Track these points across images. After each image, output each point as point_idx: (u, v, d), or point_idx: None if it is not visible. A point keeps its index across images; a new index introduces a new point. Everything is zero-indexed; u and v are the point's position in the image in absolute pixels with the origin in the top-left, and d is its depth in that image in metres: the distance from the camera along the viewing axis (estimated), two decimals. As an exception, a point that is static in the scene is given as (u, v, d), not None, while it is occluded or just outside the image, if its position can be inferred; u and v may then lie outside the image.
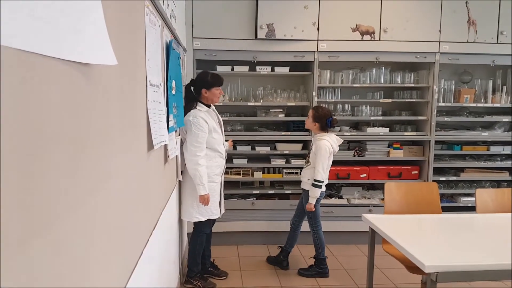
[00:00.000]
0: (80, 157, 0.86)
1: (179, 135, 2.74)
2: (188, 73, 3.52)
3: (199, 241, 2.97)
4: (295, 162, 3.79)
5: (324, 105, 3.87)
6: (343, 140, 3.21)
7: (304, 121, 3.75)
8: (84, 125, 0.88)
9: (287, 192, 3.85)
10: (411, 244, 1.96)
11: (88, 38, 0.81)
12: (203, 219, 2.88)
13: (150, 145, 1.61)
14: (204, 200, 2.76)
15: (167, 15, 2.18)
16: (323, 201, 3.80)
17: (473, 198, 3.77)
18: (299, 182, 3.90)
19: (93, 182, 0.94)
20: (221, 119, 3.01)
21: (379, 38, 3.65)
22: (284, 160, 3.82)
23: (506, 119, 3.90)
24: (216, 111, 2.99)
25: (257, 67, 3.70)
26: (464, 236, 2.18)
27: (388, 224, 2.32)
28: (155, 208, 1.86)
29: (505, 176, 3.94)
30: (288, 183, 3.90)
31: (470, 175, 3.95)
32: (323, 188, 3.13)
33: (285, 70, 3.73)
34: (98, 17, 0.87)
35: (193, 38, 3.55)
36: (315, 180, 3.06)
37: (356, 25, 3.62)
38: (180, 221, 3.04)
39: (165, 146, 2.04)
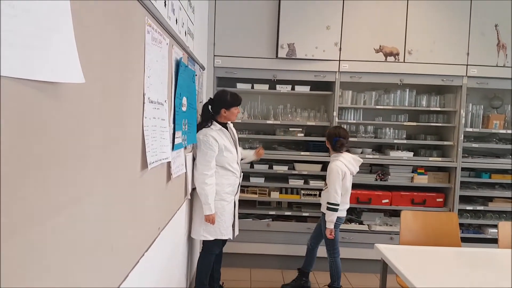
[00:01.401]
0: (47, 179, 0.83)
1: (191, 151, 2.71)
2: (208, 90, 3.52)
3: (207, 261, 2.88)
4: (313, 183, 3.68)
5: (344, 126, 3.80)
6: (362, 161, 3.10)
7: (324, 141, 3.68)
8: (51, 145, 0.85)
9: (304, 214, 3.72)
10: (422, 281, 1.82)
11: (53, 56, 0.79)
12: (211, 238, 2.81)
13: (145, 164, 1.55)
14: (210, 219, 2.71)
15: (181, 33, 2.18)
16: (342, 226, 3.67)
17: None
18: (318, 204, 3.78)
19: (62, 202, 0.90)
20: (236, 136, 2.96)
21: (404, 60, 3.57)
22: (303, 180, 3.72)
23: (539, 146, 3.69)
24: (234, 129, 2.95)
25: (277, 86, 3.67)
26: (481, 274, 2.02)
27: (401, 256, 2.18)
28: (151, 228, 1.79)
29: (538, 207, 3.70)
30: (306, 205, 3.79)
31: (499, 205, 3.73)
32: (343, 213, 3.01)
33: (305, 89, 3.68)
34: (67, 35, 0.85)
35: (214, 56, 3.57)
36: (328, 203, 2.97)
37: (380, 46, 3.55)
38: (190, 240, 2.96)
39: (168, 163, 1.99)
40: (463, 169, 3.70)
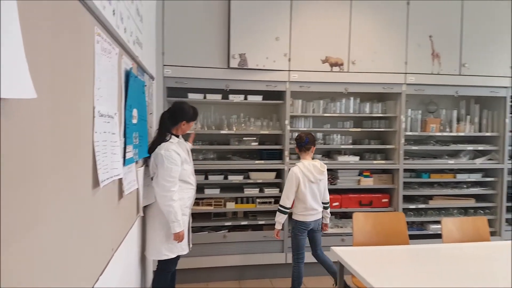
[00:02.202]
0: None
1: (142, 166, 2.60)
2: (158, 100, 3.44)
3: (163, 280, 2.78)
4: (268, 191, 3.73)
5: (296, 134, 3.89)
6: (323, 170, 3.13)
7: (277, 149, 3.75)
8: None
9: (260, 222, 3.75)
10: (380, 280, 1.92)
11: (1, 70, 0.74)
12: (173, 255, 2.71)
13: (96, 182, 1.48)
14: (179, 237, 2.61)
15: (129, 42, 2.12)
16: (296, 231, 3.76)
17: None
18: (273, 212, 3.84)
19: (9, 233, 0.84)
20: (189, 148, 2.92)
21: (348, 70, 3.74)
22: (258, 189, 3.76)
23: (470, 147, 4.07)
24: (183, 140, 2.90)
25: (230, 96, 3.68)
26: (431, 269, 2.16)
27: (356, 257, 2.28)
28: (105, 249, 1.70)
29: (471, 203, 4.06)
30: (262, 213, 3.82)
31: (438, 203, 4.03)
32: (306, 218, 3.07)
33: (258, 99, 3.73)
34: (16, 48, 0.80)
35: (163, 65, 3.50)
36: (279, 205, 3.10)
37: (326, 57, 3.71)
38: (143, 259, 2.83)
39: (120, 180, 1.90)
40: (405, 170, 3.95)
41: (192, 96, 3.64)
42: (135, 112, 2.18)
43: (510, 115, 4.00)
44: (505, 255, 2.37)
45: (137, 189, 2.40)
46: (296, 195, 3.06)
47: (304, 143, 3.10)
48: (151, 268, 3.24)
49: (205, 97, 3.67)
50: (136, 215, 2.48)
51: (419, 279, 1.98)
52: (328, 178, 3.87)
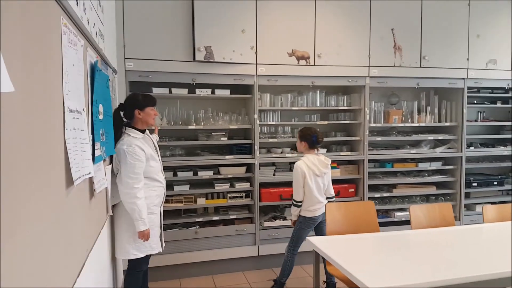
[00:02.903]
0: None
1: (110, 164, 2.50)
2: (120, 95, 3.30)
3: (135, 280, 2.69)
4: (239, 185, 3.71)
5: (265, 127, 3.90)
6: (328, 162, 3.14)
7: (247, 144, 3.73)
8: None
9: (232, 217, 3.72)
10: (354, 266, 1.96)
11: None
12: (142, 255, 2.62)
13: (70, 181, 1.41)
14: (144, 235, 2.52)
15: (92, 34, 2.03)
16: (267, 224, 3.77)
17: (406, 213, 4.01)
18: (245, 206, 3.84)
19: None
20: (157, 144, 2.82)
21: (314, 63, 3.78)
22: (228, 184, 3.72)
23: (431, 137, 4.25)
24: (151, 136, 2.79)
25: (197, 90, 3.60)
26: (402, 254, 2.24)
27: (331, 246, 2.32)
28: (80, 251, 1.64)
29: (432, 190, 4.26)
30: (233, 207, 3.79)
31: (402, 191, 4.20)
32: (314, 213, 3.06)
33: (225, 93, 3.68)
34: None
35: (125, 58, 3.35)
36: (293, 200, 3.12)
37: (292, 50, 3.72)
38: (114, 259, 2.75)
39: (91, 179, 1.83)
40: (369, 161, 4.07)
41: (156, 91, 3.52)
42: (101, 107, 2.08)
43: (468, 105, 4.23)
44: (470, 238, 2.50)
45: (106, 188, 2.31)
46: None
47: (319, 143, 3.12)
48: (121, 267, 3.15)
49: (170, 92, 3.57)
50: (106, 215, 2.40)
51: (393, 264, 2.04)
52: (297, 171, 3.95)
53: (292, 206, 3.13)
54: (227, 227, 3.69)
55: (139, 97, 2.63)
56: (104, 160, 2.20)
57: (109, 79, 2.51)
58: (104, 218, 2.36)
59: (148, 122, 2.66)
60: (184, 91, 3.59)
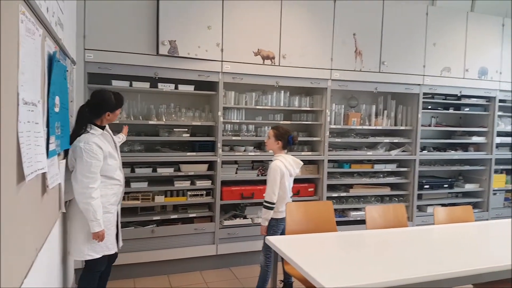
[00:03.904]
0: None
1: (63, 158, 2.39)
2: (78, 87, 3.16)
3: (91, 281, 2.59)
4: (200, 183, 3.66)
5: (229, 125, 3.88)
6: (302, 163, 3.15)
7: (210, 141, 3.69)
8: None
9: (191, 215, 3.68)
10: (311, 265, 1.99)
11: None
12: (98, 256, 2.53)
13: (21, 177, 1.35)
14: (99, 236, 2.43)
15: (51, 23, 1.94)
16: (226, 223, 3.76)
17: (362, 212, 4.15)
18: (205, 204, 3.80)
19: None
20: (117, 141, 2.72)
21: (279, 64, 3.81)
22: (189, 181, 3.66)
23: (386, 140, 4.42)
24: (111, 132, 2.69)
25: (159, 84, 3.51)
26: (358, 254, 2.30)
27: (289, 245, 2.34)
28: (29, 250, 1.56)
29: (387, 191, 4.43)
30: (193, 206, 3.74)
31: (358, 191, 4.33)
32: (285, 214, 2.95)
33: (189, 88, 3.61)
34: None
35: (84, 49, 3.21)
36: (264, 201, 2.99)
37: (258, 49, 3.72)
38: (65, 258, 2.65)
39: (44, 174, 1.75)
40: (329, 161, 4.16)
41: (116, 83, 3.41)
42: (57, 100, 2.00)
43: (422, 110, 4.43)
44: (422, 239, 2.63)
45: (60, 183, 2.22)
46: None
47: (292, 144, 3.08)
48: (72, 267, 3.05)
49: (131, 85, 3.46)
50: (58, 211, 2.30)
51: (349, 263, 2.10)
52: (259, 169, 3.97)
53: (264, 209, 3.00)
54: (185, 226, 3.63)
55: (112, 99, 2.54)
56: (59, 154, 2.12)
57: (67, 70, 2.40)
58: (57, 215, 2.27)
59: (112, 121, 2.63)
60: (146, 85, 3.49)
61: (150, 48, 3.38)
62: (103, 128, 2.57)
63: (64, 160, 2.40)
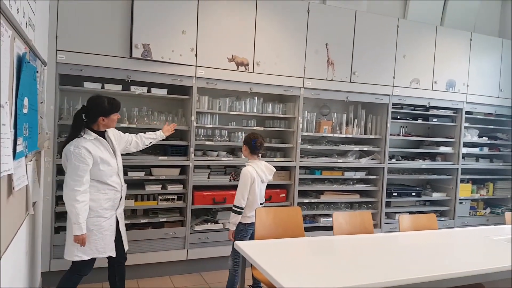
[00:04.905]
0: None
1: (31, 160, 2.38)
2: (49, 88, 3.13)
3: (72, 283, 2.63)
4: (171, 187, 3.66)
5: (202, 130, 3.90)
6: (274, 170, 3.18)
7: (182, 145, 3.70)
8: None
9: (162, 220, 3.66)
10: (276, 270, 2.02)
11: None
12: (86, 257, 2.58)
13: None
14: (79, 240, 2.48)
15: (22, 24, 1.95)
16: (197, 228, 3.76)
17: (332, 219, 4.22)
18: (176, 209, 3.79)
19: None
20: (116, 146, 2.75)
21: (253, 70, 3.86)
22: (160, 186, 3.65)
23: (356, 148, 4.53)
24: (112, 138, 2.74)
25: (132, 87, 3.51)
26: (324, 259, 2.34)
27: (257, 250, 2.37)
28: None
29: (356, 198, 4.53)
30: (163, 210, 3.73)
31: (328, 197, 4.41)
32: (254, 219, 2.97)
33: (162, 92, 3.62)
34: None
35: (56, 50, 3.19)
36: (233, 206, 3.02)
37: (232, 55, 3.77)
38: (32, 259, 2.64)
39: (10, 175, 1.75)
40: (300, 167, 4.23)
41: (88, 85, 3.39)
42: (26, 101, 2.01)
43: (391, 120, 4.56)
44: (385, 245, 2.70)
45: (27, 185, 2.19)
46: None
47: (258, 149, 3.09)
48: (39, 269, 3.02)
49: (103, 87, 3.44)
50: (25, 213, 2.28)
51: (315, 269, 2.14)
52: (232, 175, 3.99)
53: (232, 214, 3.04)
54: (156, 230, 3.62)
55: (106, 105, 2.60)
56: (26, 156, 2.10)
57: (37, 71, 2.41)
58: (23, 217, 2.24)
59: (110, 127, 2.69)
60: (118, 88, 3.48)
61: (123, 51, 3.38)
62: (102, 133, 2.64)
63: (32, 162, 2.39)
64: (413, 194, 4.84)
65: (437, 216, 3.41)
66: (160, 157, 3.60)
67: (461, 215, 5.08)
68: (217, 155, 3.88)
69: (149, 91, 3.57)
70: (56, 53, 3.19)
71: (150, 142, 3.14)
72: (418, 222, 3.19)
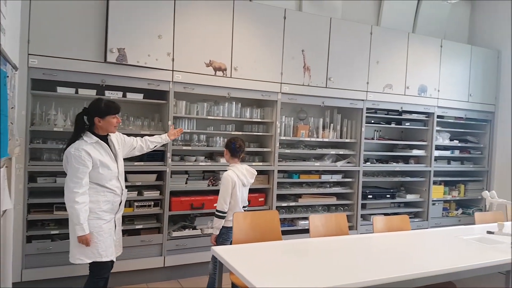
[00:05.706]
0: None
1: (1, 167, 2.30)
2: (20, 93, 3.05)
3: (95, 284, 2.65)
4: (148, 194, 3.61)
5: (180, 135, 3.86)
6: (255, 173, 3.20)
7: (159, 150, 3.66)
8: None
9: (138, 227, 3.61)
10: (252, 274, 2.02)
11: None
12: (88, 261, 2.59)
13: None
14: (83, 240, 2.50)
15: None
16: (175, 234, 3.73)
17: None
18: (152, 215, 3.74)
19: None
20: (118, 150, 2.76)
21: (231, 75, 3.88)
22: (136, 192, 3.60)
23: (333, 151, 4.61)
24: (114, 142, 2.76)
25: (106, 92, 3.46)
26: (300, 262, 2.35)
27: (234, 254, 2.37)
28: None
29: (333, 200, 4.60)
30: (139, 217, 3.68)
31: (306, 201, 4.46)
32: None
33: (138, 97, 3.58)
34: None
35: (28, 54, 3.12)
36: (216, 210, 3.02)
37: (210, 60, 3.77)
38: (4, 273, 2.60)
39: None
40: (279, 171, 4.26)
41: (61, 90, 3.33)
42: None
43: (366, 124, 4.66)
44: (361, 246, 2.76)
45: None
46: None
47: (238, 151, 3.11)
48: (10, 280, 2.90)
49: (77, 92, 3.38)
50: None
51: (292, 271, 2.16)
52: (210, 180, 3.97)
53: (215, 218, 3.04)
54: (131, 238, 3.56)
55: (101, 105, 2.65)
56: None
57: (8, 76, 2.36)
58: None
59: (108, 130, 2.70)
60: (92, 92, 3.42)
61: (98, 55, 3.33)
62: (104, 137, 2.67)
63: (3, 168, 2.33)
64: (388, 196, 4.95)
65: (411, 218, 3.51)
66: (136, 163, 3.55)
67: (434, 216, 5.22)
68: (195, 160, 3.86)
69: (124, 95, 3.53)
70: (28, 57, 3.12)
71: (155, 146, 3.20)
72: (391, 224, 3.26)
